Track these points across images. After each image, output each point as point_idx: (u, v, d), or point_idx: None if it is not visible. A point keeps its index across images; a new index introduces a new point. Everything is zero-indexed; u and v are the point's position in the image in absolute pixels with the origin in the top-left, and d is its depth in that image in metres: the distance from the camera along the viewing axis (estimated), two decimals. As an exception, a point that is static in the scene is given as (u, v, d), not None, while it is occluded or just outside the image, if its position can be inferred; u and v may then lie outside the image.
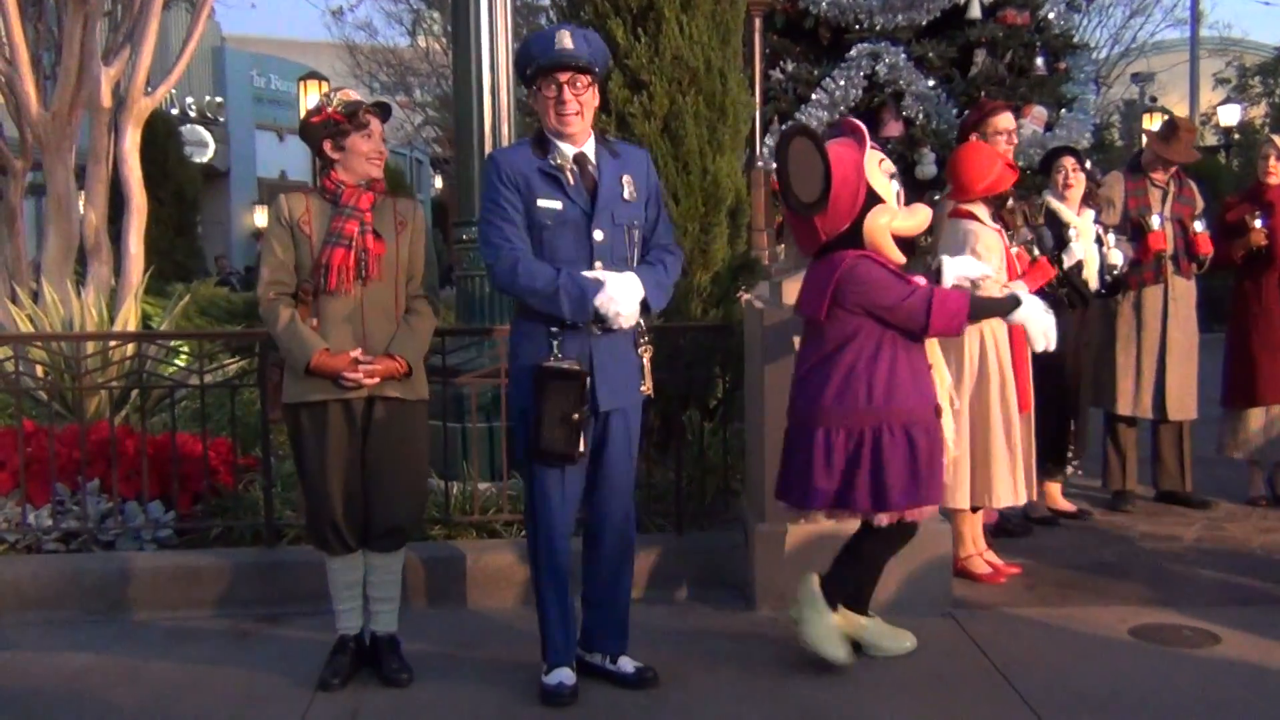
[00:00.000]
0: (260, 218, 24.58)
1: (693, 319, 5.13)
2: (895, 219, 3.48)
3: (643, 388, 3.47)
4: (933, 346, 3.61)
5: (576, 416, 3.27)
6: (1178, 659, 3.68)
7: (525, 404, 3.33)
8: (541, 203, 3.31)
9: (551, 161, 3.34)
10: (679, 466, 4.54)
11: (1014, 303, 3.60)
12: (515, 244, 3.30)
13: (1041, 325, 3.55)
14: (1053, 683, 3.49)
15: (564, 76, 3.29)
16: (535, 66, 3.31)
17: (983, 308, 3.66)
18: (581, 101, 3.33)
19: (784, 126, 3.56)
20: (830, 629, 3.55)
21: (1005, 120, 4.89)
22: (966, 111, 7.42)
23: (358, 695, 3.51)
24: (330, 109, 3.50)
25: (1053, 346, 3.57)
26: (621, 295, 3.26)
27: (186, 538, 4.55)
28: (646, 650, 3.64)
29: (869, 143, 3.51)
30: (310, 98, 13.71)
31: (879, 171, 3.49)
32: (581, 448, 3.31)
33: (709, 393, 5.13)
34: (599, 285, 3.26)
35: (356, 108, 3.51)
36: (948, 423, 3.60)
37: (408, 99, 21.98)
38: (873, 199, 3.45)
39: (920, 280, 3.54)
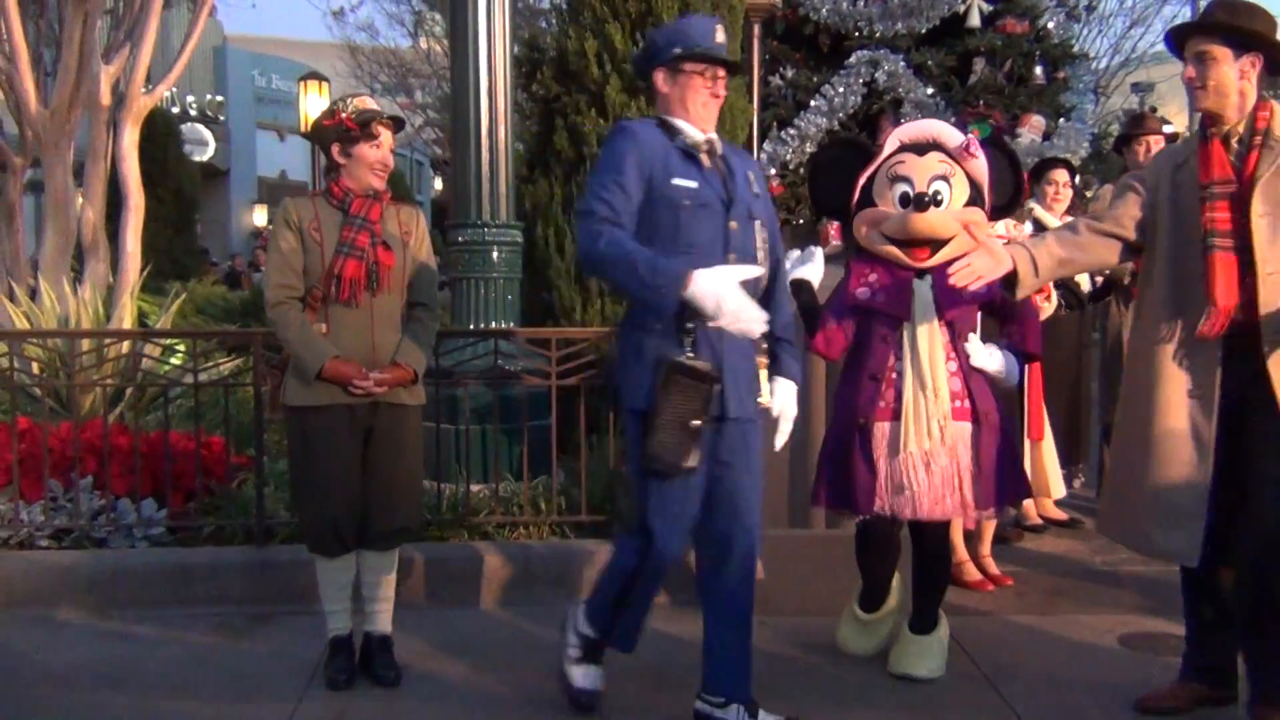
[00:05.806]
0: (260, 217, 24.65)
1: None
2: None
3: (760, 399, 3.21)
4: None
5: (697, 423, 2.96)
6: (1166, 668, 3.66)
7: (642, 405, 3.02)
8: (677, 181, 3.03)
9: (685, 140, 3.11)
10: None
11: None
12: (618, 220, 2.97)
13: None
14: (1038, 689, 3.50)
15: (720, 71, 3.14)
16: (694, 51, 3.09)
17: None
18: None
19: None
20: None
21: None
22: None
23: (345, 695, 3.52)
24: (345, 114, 3.49)
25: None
26: (717, 288, 2.85)
27: (178, 536, 4.56)
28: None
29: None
30: (310, 98, 13.65)
31: None
32: (694, 461, 2.99)
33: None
34: (684, 276, 2.87)
35: (371, 118, 3.49)
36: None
37: (409, 100, 21.97)
38: None
39: None
